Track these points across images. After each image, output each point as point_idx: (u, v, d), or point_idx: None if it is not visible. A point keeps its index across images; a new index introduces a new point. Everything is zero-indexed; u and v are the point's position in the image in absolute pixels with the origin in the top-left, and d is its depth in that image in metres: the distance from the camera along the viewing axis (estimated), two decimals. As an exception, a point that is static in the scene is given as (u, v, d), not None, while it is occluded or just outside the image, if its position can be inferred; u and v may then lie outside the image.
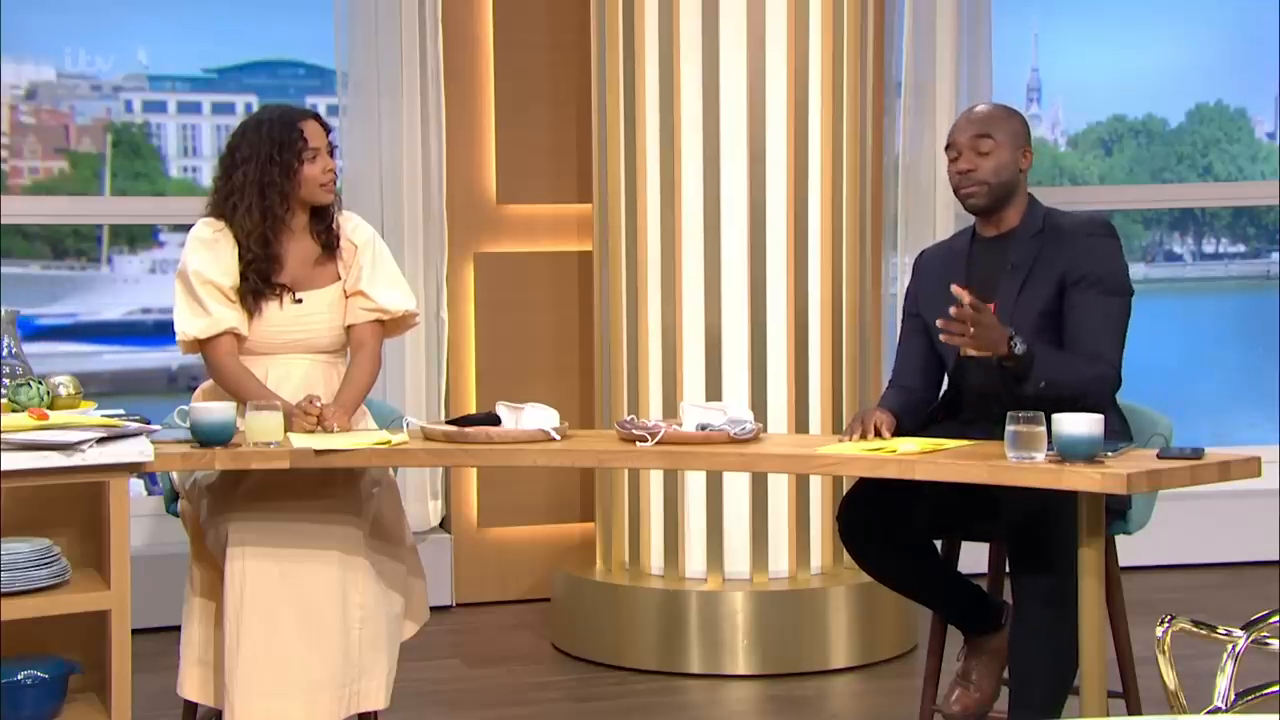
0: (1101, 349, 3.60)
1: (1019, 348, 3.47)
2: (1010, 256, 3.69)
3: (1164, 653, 2.67)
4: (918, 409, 3.78)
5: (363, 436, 3.69)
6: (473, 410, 5.44)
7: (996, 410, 3.46)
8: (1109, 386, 3.60)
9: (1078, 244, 3.65)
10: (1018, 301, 3.65)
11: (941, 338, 3.51)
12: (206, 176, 6.18)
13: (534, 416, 3.72)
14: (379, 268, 3.96)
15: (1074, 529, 3.28)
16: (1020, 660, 3.51)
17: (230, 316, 3.84)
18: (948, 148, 3.76)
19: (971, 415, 3.71)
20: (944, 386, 3.84)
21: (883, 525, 3.69)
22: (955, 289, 3.47)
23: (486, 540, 5.82)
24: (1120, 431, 3.58)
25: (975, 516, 3.68)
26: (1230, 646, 2.63)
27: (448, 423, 3.83)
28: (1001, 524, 3.58)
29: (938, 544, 3.82)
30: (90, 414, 3.60)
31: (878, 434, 3.61)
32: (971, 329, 3.44)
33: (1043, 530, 3.43)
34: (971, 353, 3.57)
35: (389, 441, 3.62)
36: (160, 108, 6.22)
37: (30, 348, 3.81)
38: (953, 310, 3.46)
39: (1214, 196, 7.08)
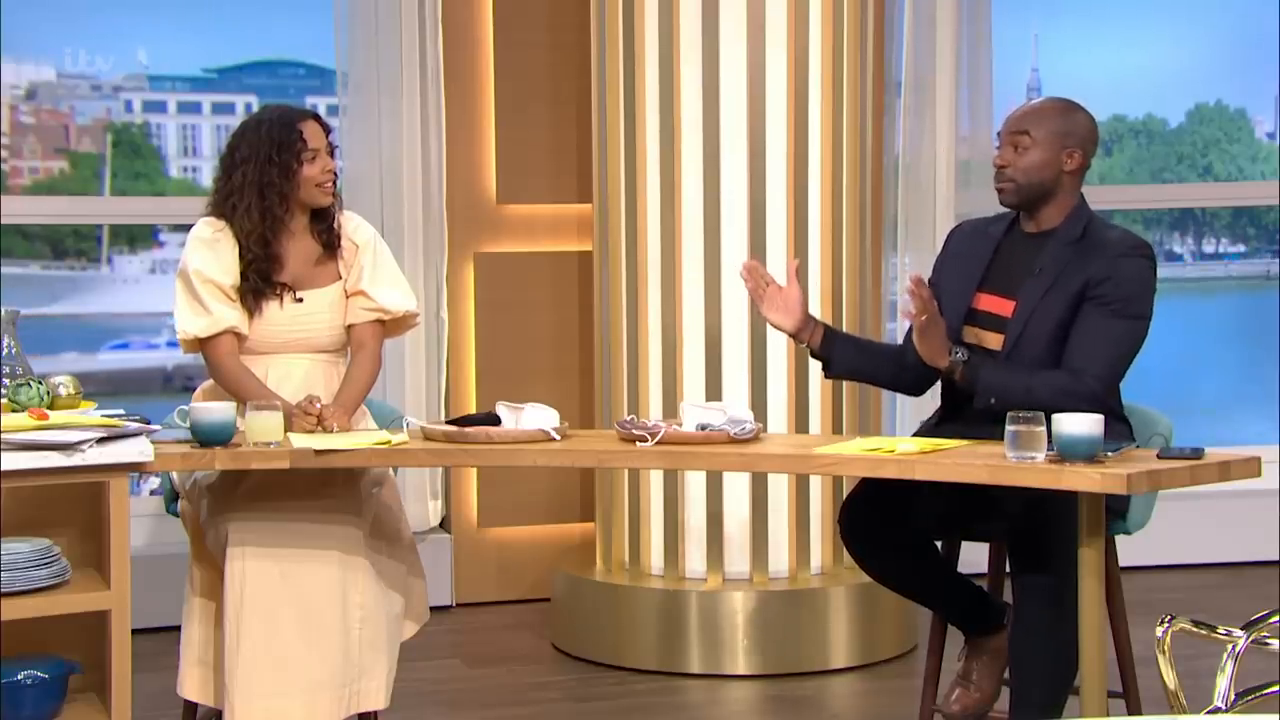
0: (1087, 365, 3.54)
1: (957, 355, 3.47)
2: (1041, 259, 3.66)
3: (1164, 653, 2.67)
4: (898, 360, 3.82)
5: (363, 436, 3.69)
6: (473, 410, 5.44)
7: (998, 410, 3.46)
8: (1080, 403, 3.44)
9: (1108, 260, 3.59)
10: (1039, 306, 3.62)
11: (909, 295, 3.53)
12: (206, 176, 6.18)
13: (534, 416, 3.72)
14: (380, 268, 3.96)
15: (1073, 529, 3.28)
16: (1021, 660, 3.51)
17: (231, 315, 3.84)
18: (998, 134, 3.75)
19: (972, 415, 3.69)
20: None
21: (884, 526, 3.69)
22: (913, 276, 3.50)
23: (486, 540, 5.82)
24: (1123, 435, 3.57)
25: (976, 516, 3.67)
26: (1230, 646, 2.63)
27: (448, 423, 3.83)
28: (1002, 524, 3.57)
29: (938, 544, 3.82)
30: (90, 414, 3.60)
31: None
32: (923, 317, 3.47)
33: (1042, 530, 3.42)
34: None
35: (389, 441, 3.62)
36: (160, 108, 6.22)
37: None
38: (911, 286, 3.49)
39: (1214, 196, 7.08)
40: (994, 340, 3.67)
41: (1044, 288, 3.63)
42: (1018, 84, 6.62)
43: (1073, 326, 3.59)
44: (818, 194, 5.03)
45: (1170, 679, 2.67)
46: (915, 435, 3.75)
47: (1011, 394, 3.49)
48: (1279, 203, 6.54)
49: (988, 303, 3.70)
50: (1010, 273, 3.69)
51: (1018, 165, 3.66)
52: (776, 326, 3.79)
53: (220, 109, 6.32)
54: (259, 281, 3.86)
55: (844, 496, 3.84)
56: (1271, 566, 5.92)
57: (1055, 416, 3.24)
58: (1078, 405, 3.39)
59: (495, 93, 5.77)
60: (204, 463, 3.55)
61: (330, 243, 3.94)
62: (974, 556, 3.99)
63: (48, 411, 3.49)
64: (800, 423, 5.01)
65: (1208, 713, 2.57)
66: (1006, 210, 3.79)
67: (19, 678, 3.45)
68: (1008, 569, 3.60)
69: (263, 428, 3.53)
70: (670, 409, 4.91)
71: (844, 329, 5.07)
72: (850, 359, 3.84)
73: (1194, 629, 2.71)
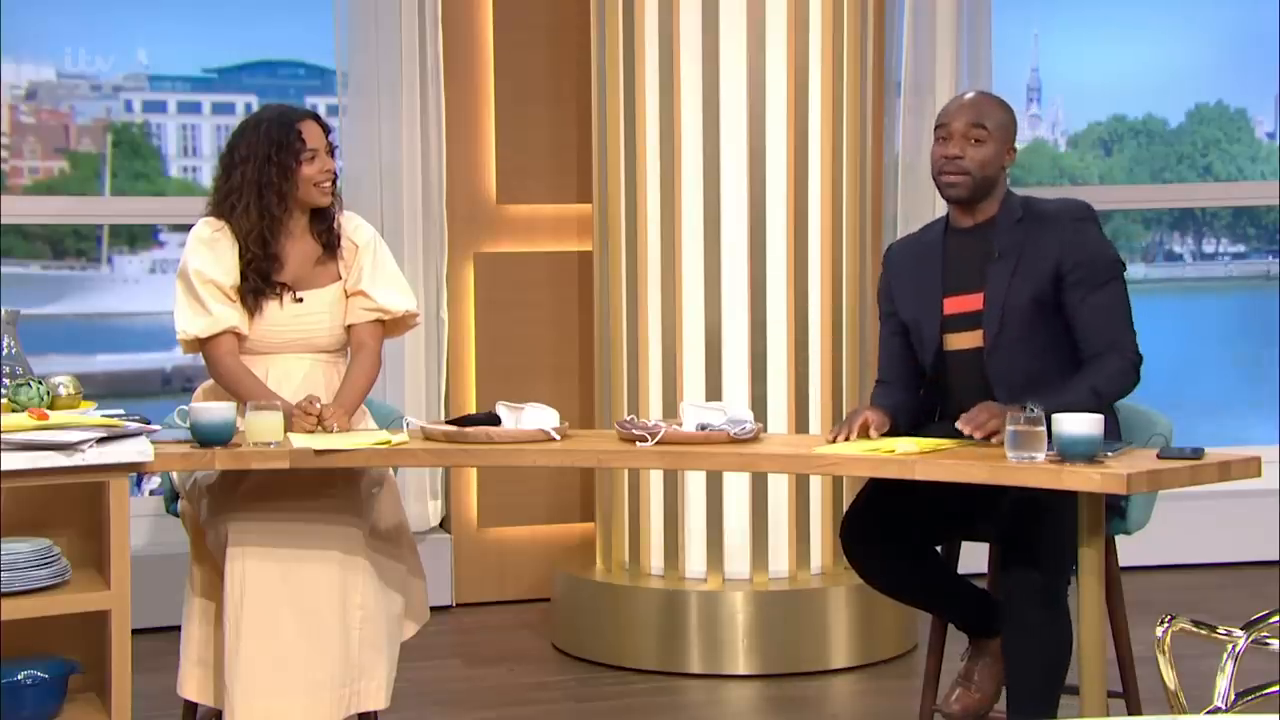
0: (1113, 340, 3.57)
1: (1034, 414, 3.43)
2: (994, 244, 3.65)
3: (1164, 653, 2.67)
4: (909, 405, 3.75)
5: (363, 436, 3.69)
6: (473, 410, 5.44)
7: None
8: (1132, 373, 3.56)
9: (1063, 232, 3.60)
10: (1009, 289, 3.61)
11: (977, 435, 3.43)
12: (206, 176, 6.18)
13: (534, 416, 3.72)
14: (380, 268, 3.96)
15: (1064, 528, 3.28)
16: (1014, 661, 3.50)
17: (231, 315, 3.84)
18: (938, 127, 3.71)
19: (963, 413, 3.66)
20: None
21: (885, 535, 3.68)
22: (961, 426, 3.42)
23: (486, 540, 5.82)
24: (1112, 432, 3.56)
25: (974, 517, 3.67)
26: (1230, 646, 2.64)
27: (448, 423, 3.83)
28: (996, 524, 3.57)
29: (938, 550, 3.81)
30: (90, 414, 3.60)
31: (866, 435, 3.58)
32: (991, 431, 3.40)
33: (1033, 530, 3.42)
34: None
35: (389, 441, 3.62)
36: (160, 108, 6.22)
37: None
38: (971, 427, 3.41)
39: (1214, 196, 7.07)
40: (971, 339, 3.66)
41: (1009, 270, 3.62)
42: (1018, 84, 6.63)
43: (1071, 317, 3.59)
44: (818, 194, 5.03)
45: (1170, 679, 2.67)
46: (911, 434, 3.74)
47: (1084, 408, 3.42)
48: (1279, 203, 6.54)
49: (953, 305, 3.69)
50: (966, 269, 3.68)
51: (974, 158, 3.66)
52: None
53: (220, 109, 6.32)
54: (259, 281, 3.86)
55: (844, 501, 3.83)
56: (1271, 566, 5.92)
57: (1055, 416, 3.23)
58: (1131, 376, 3.54)
59: (495, 93, 5.77)
60: (204, 463, 3.55)
61: (330, 243, 3.95)
62: (974, 557, 3.99)
63: (48, 411, 3.49)
64: (800, 423, 5.01)
65: (1208, 713, 2.57)
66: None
67: (19, 678, 3.45)
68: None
69: (263, 428, 3.53)
70: (670, 409, 4.91)
71: (844, 329, 5.08)
72: (912, 417, 3.79)
73: (1194, 629, 2.72)
